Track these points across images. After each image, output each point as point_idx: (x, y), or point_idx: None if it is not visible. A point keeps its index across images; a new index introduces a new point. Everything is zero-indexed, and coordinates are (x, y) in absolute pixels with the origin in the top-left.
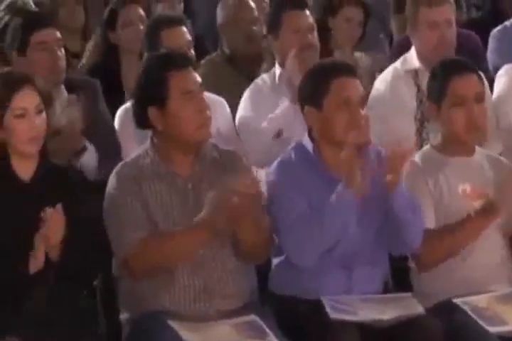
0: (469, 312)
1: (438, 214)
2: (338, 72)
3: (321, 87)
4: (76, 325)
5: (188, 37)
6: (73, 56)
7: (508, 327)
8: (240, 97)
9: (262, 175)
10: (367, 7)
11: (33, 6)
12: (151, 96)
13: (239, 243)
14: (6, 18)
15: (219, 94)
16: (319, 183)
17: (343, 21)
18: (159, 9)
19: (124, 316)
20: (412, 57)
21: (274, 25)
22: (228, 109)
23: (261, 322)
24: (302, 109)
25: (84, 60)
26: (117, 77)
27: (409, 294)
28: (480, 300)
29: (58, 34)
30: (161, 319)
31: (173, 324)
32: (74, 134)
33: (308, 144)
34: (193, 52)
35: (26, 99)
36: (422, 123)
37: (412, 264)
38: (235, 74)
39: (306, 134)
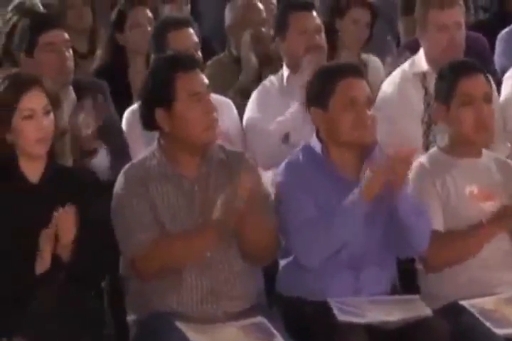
0: (476, 314)
1: (445, 215)
2: (344, 73)
3: (327, 87)
4: (83, 325)
5: (195, 39)
6: (81, 57)
7: None
8: (247, 98)
9: (269, 177)
10: (374, 9)
11: (41, 7)
12: (158, 97)
13: (244, 244)
14: (14, 19)
15: (226, 94)
16: (327, 184)
17: (350, 23)
18: (166, 11)
19: (131, 317)
20: (420, 60)
21: (281, 26)
22: (235, 111)
23: (268, 324)
24: (309, 110)
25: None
26: (125, 78)
27: (416, 296)
28: (487, 302)
29: (66, 35)
30: (169, 320)
31: (181, 325)
32: (84, 137)
33: (316, 145)
34: (200, 53)
35: (34, 100)
36: (428, 126)
37: (419, 266)
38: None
39: (314, 135)
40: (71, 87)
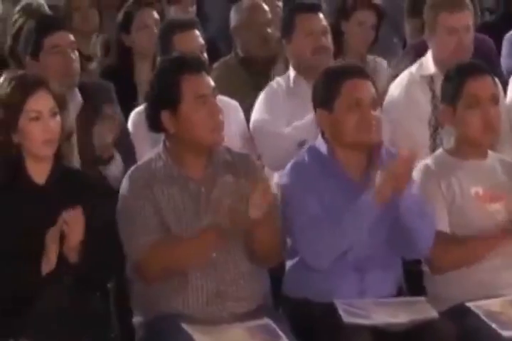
0: (482, 316)
1: (451, 217)
2: (349, 74)
3: (332, 89)
4: (89, 327)
5: (201, 40)
6: (87, 59)
7: None
8: (254, 100)
9: (275, 178)
10: (380, 10)
11: (47, 9)
12: (164, 99)
13: (252, 245)
14: (21, 20)
15: (232, 96)
16: (333, 185)
17: (356, 25)
18: (172, 12)
19: (137, 319)
20: (427, 62)
21: (287, 28)
22: (242, 113)
23: (274, 326)
24: (314, 112)
25: (95, 64)
26: (131, 79)
27: (422, 298)
28: (493, 304)
29: (71, 37)
30: (175, 322)
31: (187, 327)
32: (104, 145)
33: (322, 146)
34: (205, 55)
35: (40, 102)
36: (435, 128)
37: (425, 268)
38: (249, 77)
39: (320, 136)
40: (77, 89)
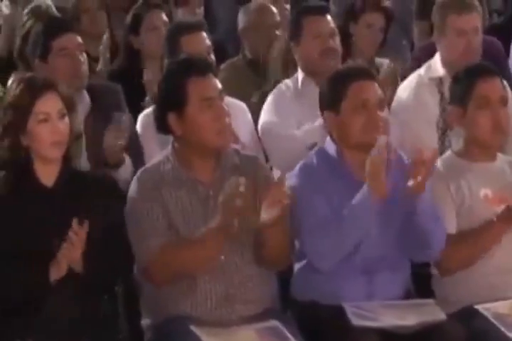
0: (491, 319)
1: (460, 219)
2: (355, 76)
3: (338, 91)
4: (97, 330)
5: (208, 42)
6: (96, 61)
7: None
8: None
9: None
10: (389, 13)
11: (55, 11)
12: (171, 101)
13: (263, 248)
14: (30, 22)
15: (240, 97)
16: (341, 186)
17: (365, 27)
18: (179, 14)
19: (145, 321)
20: (436, 65)
21: (295, 31)
22: (249, 115)
23: (283, 328)
24: (322, 114)
25: (100, 65)
26: (139, 81)
27: (431, 300)
28: (502, 306)
29: (79, 39)
30: (183, 324)
31: (195, 329)
32: (115, 149)
33: (330, 148)
34: (212, 57)
35: (49, 104)
36: (444, 131)
37: (434, 270)
38: (257, 79)
39: (328, 138)
40: (85, 91)
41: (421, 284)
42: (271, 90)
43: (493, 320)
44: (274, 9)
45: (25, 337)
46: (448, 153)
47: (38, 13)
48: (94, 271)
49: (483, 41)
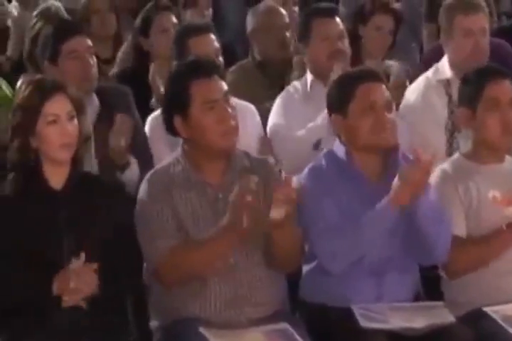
0: (499, 321)
1: (468, 221)
2: (362, 78)
3: (346, 93)
4: (106, 332)
5: (216, 44)
6: (105, 63)
7: None
8: (271, 103)
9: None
10: (398, 15)
11: (65, 13)
12: (175, 104)
13: (273, 250)
14: (39, 24)
15: (249, 99)
16: (350, 188)
17: (374, 29)
18: (188, 16)
19: (154, 323)
20: (443, 67)
21: (304, 33)
22: (258, 117)
23: (292, 330)
24: (330, 117)
25: (115, 69)
26: (148, 83)
27: (440, 302)
28: (510, 308)
29: (89, 42)
30: (192, 326)
31: (204, 331)
32: (119, 150)
33: (339, 150)
34: (221, 59)
35: (58, 106)
36: (452, 133)
37: (442, 273)
38: (266, 81)
39: (337, 140)
40: (94, 93)
41: (430, 286)
42: None
43: (501, 322)
44: (283, 11)
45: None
46: (456, 155)
47: (47, 15)
48: (105, 285)
49: (492, 43)
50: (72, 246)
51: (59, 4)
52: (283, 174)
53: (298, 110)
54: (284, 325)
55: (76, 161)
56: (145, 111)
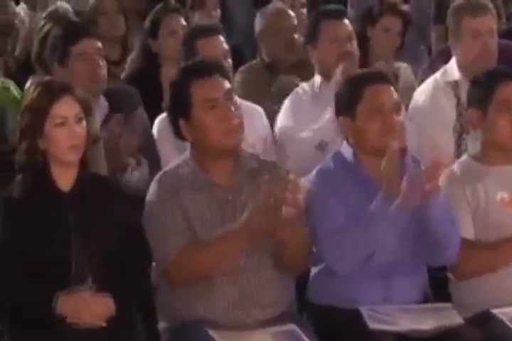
0: (508, 323)
1: (476, 223)
2: (370, 80)
3: (354, 95)
4: (114, 334)
5: (225, 46)
6: (113, 64)
7: None
8: (279, 106)
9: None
10: (406, 17)
11: (73, 15)
12: (178, 107)
13: (282, 251)
14: (48, 26)
15: (257, 100)
16: (358, 190)
17: (382, 31)
18: (196, 18)
19: (162, 325)
20: (452, 69)
21: (312, 35)
22: (265, 118)
23: (299, 332)
24: (337, 119)
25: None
26: (157, 85)
27: (448, 304)
28: None
29: (99, 44)
30: (200, 328)
31: (212, 333)
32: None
33: (347, 152)
34: (230, 61)
35: (66, 108)
36: (460, 134)
37: (450, 274)
38: (274, 82)
39: (345, 142)
40: (102, 95)
41: (438, 288)
42: None
43: (509, 324)
44: (291, 12)
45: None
46: (464, 156)
47: (55, 16)
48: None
49: (500, 45)
50: (81, 248)
51: (67, 6)
52: (291, 175)
53: (306, 111)
54: (292, 327)
55: (84, 163)
56: (155, 112)
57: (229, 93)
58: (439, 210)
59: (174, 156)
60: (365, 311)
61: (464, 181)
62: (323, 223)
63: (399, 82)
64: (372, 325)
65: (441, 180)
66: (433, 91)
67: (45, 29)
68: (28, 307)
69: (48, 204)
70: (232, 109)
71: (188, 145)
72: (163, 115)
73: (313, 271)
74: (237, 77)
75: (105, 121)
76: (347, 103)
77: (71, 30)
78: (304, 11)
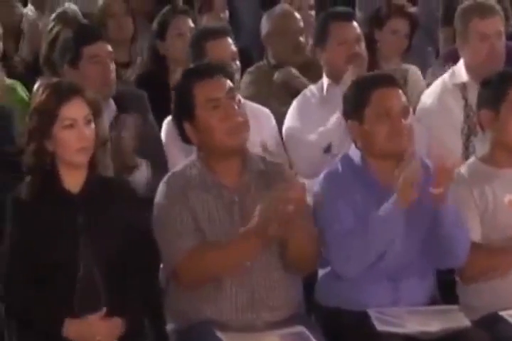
0: None
1: (484, 225)
2: (378, 84)
3: (361, 99)
4: (122, 336)
5: (233, 48)
6: (122, 66)
7: None
8: (287, 107)
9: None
10: (414, 19)
11: (81, 17)
12: (182, 110)
13: (288, 253)
14: (56, 28)
15: (265, 101)
16: (366, 194)
17: (390, 33)
18: (204, 21)
19: (170, 326)
20: (460, 71)
21: (321, 37)
22: (274, 121)
23: (308, 334)
24: (346, 122)
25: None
26: (165, 87)
27: (455, 306)
28: None
29: (109, 47)
30: (208, 329)
31: (220, 334)
32: (124, 152)
33: (355, 155)
34: (238, 63)
35: (75, 110)
36: (468, 136)
37: (457, 277)
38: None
39: (353, 145)
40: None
41: (447, 290)
42: None
43: None
44: (297, 15)
45: None
46: (472, 158)
47: (64, 18)
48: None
49: (508, 47)
50: (89, 249)
51: (75, 8)
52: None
53: (314, 114)
54: (301, 329)
55: (93, 164)
56: (163, 114)
57: (231, 92)
58: (448, 212)
59: (181, 158)
60: (373, 313)
61: (472, 183)
62: (331, 225)
63: (407, 84)
64: (380, 327)
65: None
66: (441, 93)
67: (54, 31)
68: (36, 327)
69: (56, 206)
70: (235, 107)
71: (194, 147)
72: (170, 117)
73: (321, 272)
74: (245, 78)
75: (113, 123)
76: (355, 107)
77: (83, 33)
78: (312, 12)
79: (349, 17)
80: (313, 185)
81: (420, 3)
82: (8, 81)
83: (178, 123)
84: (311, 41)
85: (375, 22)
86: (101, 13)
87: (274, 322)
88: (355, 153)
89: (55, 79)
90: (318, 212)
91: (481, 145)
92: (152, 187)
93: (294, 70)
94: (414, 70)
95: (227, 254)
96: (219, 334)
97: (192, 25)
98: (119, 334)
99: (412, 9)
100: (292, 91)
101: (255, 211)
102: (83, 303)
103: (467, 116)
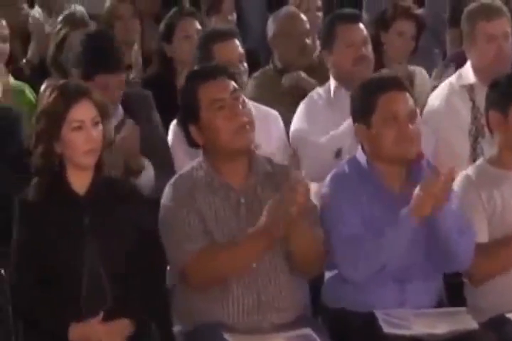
0: None
1: (491, 228)
2: (385, 87)
3: (368, 104)
4: (129, 337)
5: (241, 50)
6: (129, 68)
7: None
8: (294, 111)
9: (313, 189)
10: (420, 21)
11: (88, 18)
12: (187, 112)
13: (294, 256)
14: (64, 30)
15: (272, 105)
16: (372, 197)
17: (396, 35)
18: (212, 23)
19: (177, 328)
20: (467, 72)
21: (328, 39)
22: (282, 123)
23: (315, 336)
24: (354, 126)
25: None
26: (172, 89)
27: (462, 308)
28: None
29: (123, 76)
30: (215, 331)
31: (227, 336)
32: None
33: (362, 158)
34: (245, 65)
35: (83, 112)
36: (475, 138)
37: (465, 279)
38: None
39: (360, 148)
40: None
41: (453, 292)
42: None
43: None
44: (303, 16)
45: None
46: (480, 160)
47: (72, 20)
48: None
49: None
50: (95, 250)
51: (83, 10)
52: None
53: (321, 116)
54: (307, 331)
55: (99, 166)
56: (169, 116)
57: (236, 93)
58: (450, 219)
59: (187, 161)
60: (379, 315)
61: (480, 186)
62: (337, 230)
63: (414, 86)
64: (387, 330)
65: (454, 183)
66: (448, 95)
67: (62, 33)
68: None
69: (63, 207)
70: (240, 107)
71: (200, 152)
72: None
73: (328, 275)
74: (251, 82)
75: (119, 126)
76: (362, 111)
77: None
78: (320, 14)
79: (356, 19)
80: (321, 188)
81: (427, 5)
82: (16, 83)
83: (183, 126)
84: (319, 42)
85: (381, 24)
86: (108, 14)
87: (281, 324)
88: (361, 156)
89: (62, 81)
90: (325, 214)
91: (489, 147)
92: (157, 188)
93: (303, 74)
94: (420, 72)
95: (235, 255)
96: (226, 336)
97: (199, 27)
98: (126, 335)
99: (419, 11)
100: (301, 94)
101: (263, 211)
102: (89, 304)
103: (474, 118)
